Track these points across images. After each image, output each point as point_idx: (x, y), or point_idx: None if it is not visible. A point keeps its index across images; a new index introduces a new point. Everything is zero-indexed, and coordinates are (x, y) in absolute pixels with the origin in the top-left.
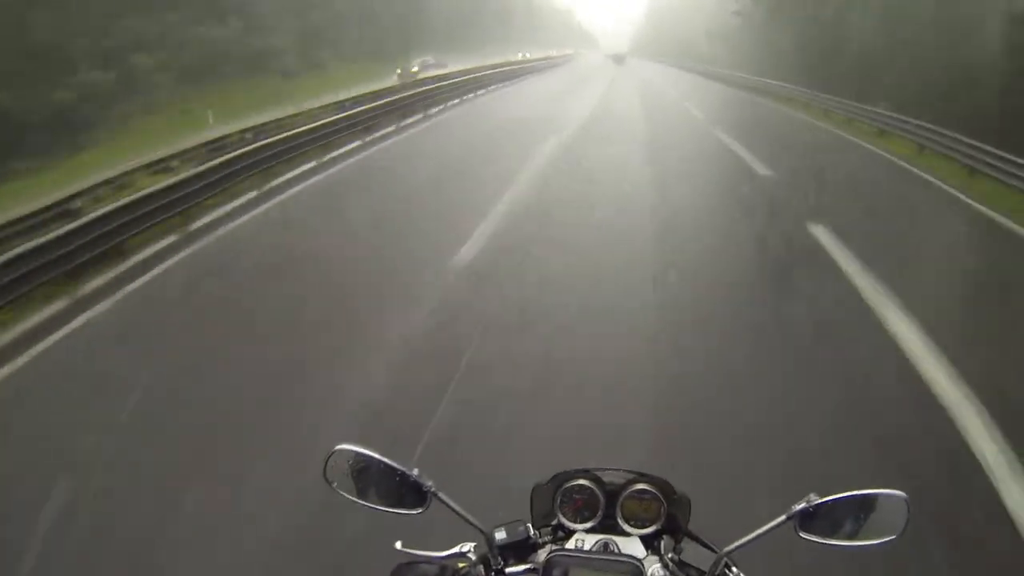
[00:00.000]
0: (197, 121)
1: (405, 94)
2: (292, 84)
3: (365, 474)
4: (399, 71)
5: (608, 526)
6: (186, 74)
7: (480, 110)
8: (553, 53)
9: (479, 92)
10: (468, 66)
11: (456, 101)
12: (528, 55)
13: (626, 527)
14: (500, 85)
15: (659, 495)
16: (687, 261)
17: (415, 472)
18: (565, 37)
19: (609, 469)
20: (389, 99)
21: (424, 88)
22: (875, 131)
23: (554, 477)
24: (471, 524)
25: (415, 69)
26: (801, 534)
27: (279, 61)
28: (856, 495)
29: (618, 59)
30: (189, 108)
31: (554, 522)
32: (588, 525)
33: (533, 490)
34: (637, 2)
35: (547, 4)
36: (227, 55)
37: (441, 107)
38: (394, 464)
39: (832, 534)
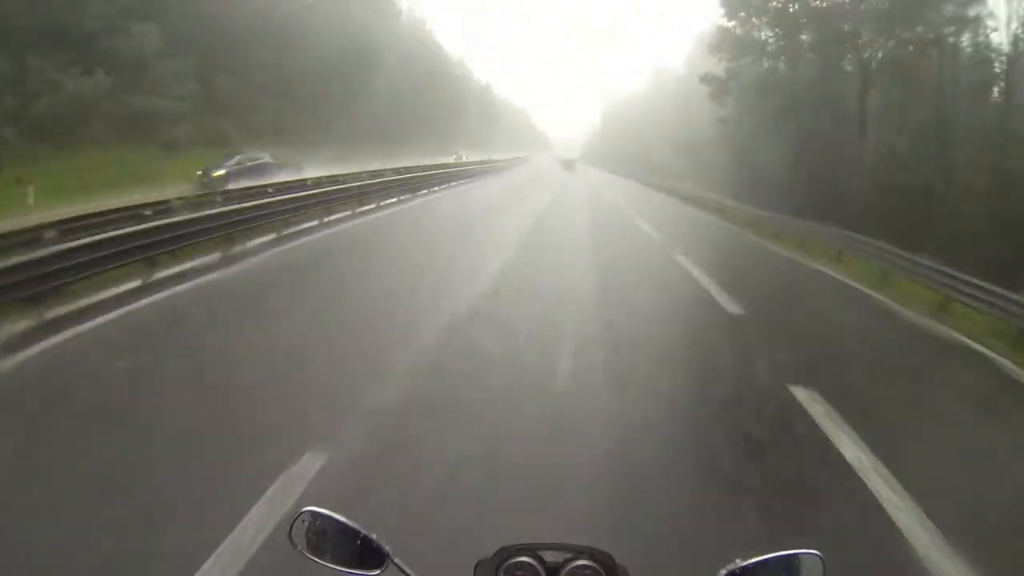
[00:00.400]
0: (15, 198)
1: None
2: (174, 158)
3: (328, 535)
4: (199, 172)
5: None
6: (37, 130)
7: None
8: (497, 157)
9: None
10: (356, 169)
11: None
12: (463, 157)
13: None
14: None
15: (600, 570)
16: None
17: (374, 536)
18: (517, 139)
19: (551, 545)
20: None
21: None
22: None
23: (497, 553)
24: None
25: (220, 172)
26: None
27: (164, 129)
28: (777, 556)
29: (567, 165)
30: (25, 177)
31: None
32: None
33: (476, 566)
34: (593, 106)
35: (505, 104)
36: (93, 113)
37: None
38: (356, 527)
39: None
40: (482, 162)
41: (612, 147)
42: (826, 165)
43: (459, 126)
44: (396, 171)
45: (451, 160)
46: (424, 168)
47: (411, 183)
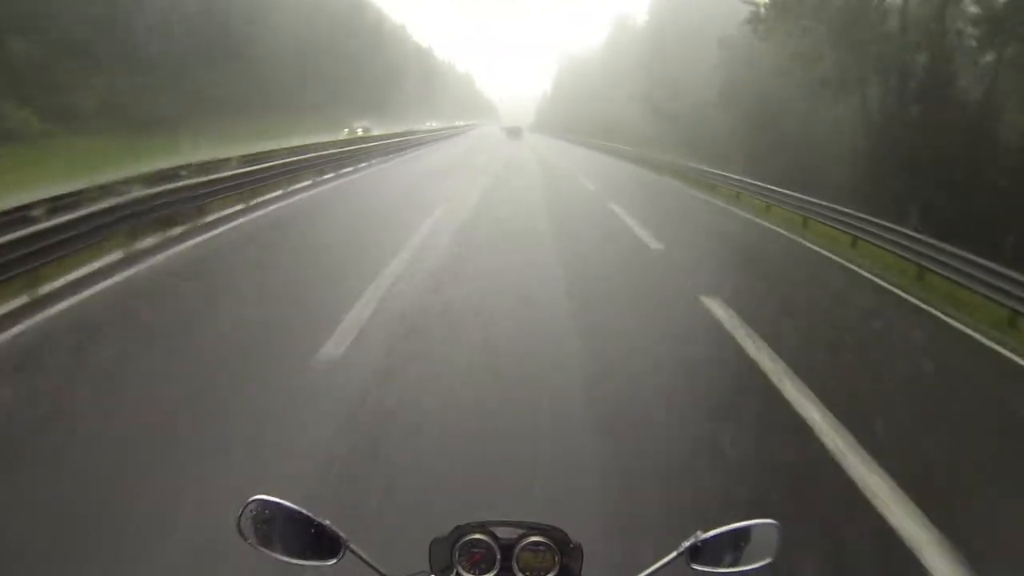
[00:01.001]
0: None
1: None
2: None
3: (279, 524)
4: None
5: None
6: None
7: None
8: (424, 127)
9: None
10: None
11: None
12: (363, 131)
13: None
14: None
15: (553, 546)
16: None
17: (328, 523)
18: (463, 107)
19: (505, 523)
20: None
21: None
22: None
23: (453, 531)
24: (380, 574)
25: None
26: (692, 566)
27: None
28: (735, 527)
29: (513, 133)
30: None
31: (453, 574)
32: None
33: (432, 543)
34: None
35: (447, 68)
36: None
37: None
38: (309, 514)
39: (718, 563)
40: (394, 136)
41: (569, 112)
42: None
43: (378, 92)
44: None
45: (342, 136)
46: (283, 154)
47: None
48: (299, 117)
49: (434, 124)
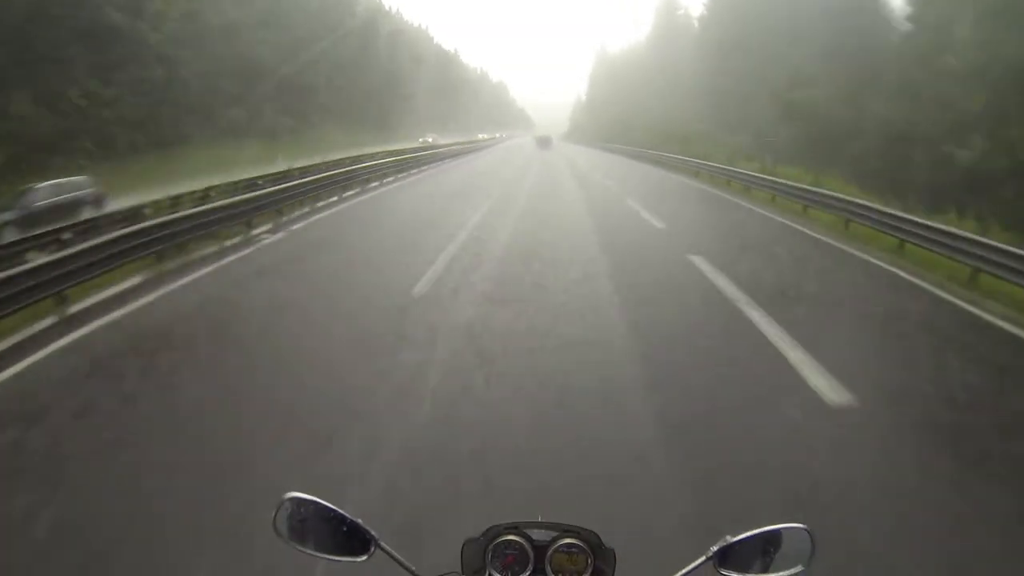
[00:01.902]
0: None
1: None
2: None
3: (313, 522)
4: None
5: None
6: None
7: None
8: (444, 141)
9: None
10: None
11: None
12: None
13: None
14: None
15: (586, 548)
16: None
17: (360, 521)
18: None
19: (539, 524)
20: None
21: None
22: None
23: (485, 532)
24: (411, 573)
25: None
26: (721, 571)
27: None
28: (765, 531)
29: (543, 143)
30: None
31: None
32: None
33: (464, 544)
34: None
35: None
36: None
37: None
38: (342, 512)
39: (747, 569)
40: (405, 153)
41: (612, 117)
42: None
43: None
44: None
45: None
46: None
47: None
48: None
49: (430, 139)
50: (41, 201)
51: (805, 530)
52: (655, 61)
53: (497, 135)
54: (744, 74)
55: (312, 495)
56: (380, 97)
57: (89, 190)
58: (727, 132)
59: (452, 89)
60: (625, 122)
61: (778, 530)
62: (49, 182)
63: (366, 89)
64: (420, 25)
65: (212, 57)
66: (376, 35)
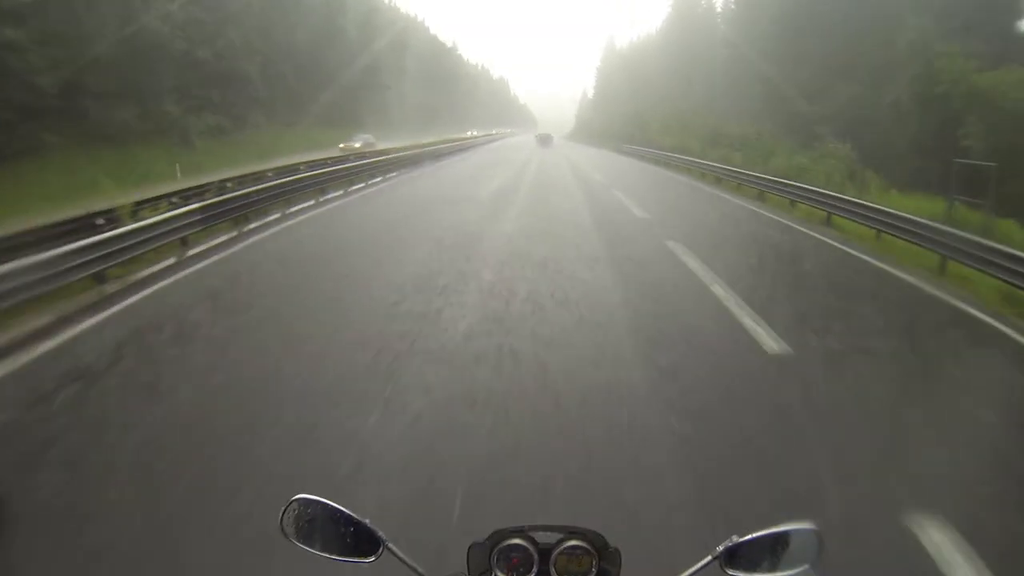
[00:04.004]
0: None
1: None
2: None
3: (320, 523)
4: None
5: None
6: None
7: None
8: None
9: None
10: None
11: None
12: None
13: None
14: None
15: (591, 549)
16: None
17: (367, 522)
18: (496, 114)
19: (543, 527)
20: None
21: None
22: None
23: (490, 536)
24: (418, 574)
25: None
26: (727, 571)
27: None
28: (773, 531)
29: (544, 140)
30: None
31: None
32: None
33: (470, 548)
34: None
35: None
36: None
37: None
38: (349, 513)
39: (754, 569)
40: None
41: (620, 116)
42: None
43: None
44: None
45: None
46: None
47: None
48: None
49: (357, 144)
50: None
51: (813, 530)
52: (678, 49)
53: (493, 132)
54: (818, 60)
55: (321, 496)
56: (346, 89)
57: None
58: (788, 135)
59: (444, 82)
60: (642, 121)
61: (786, 531)
62: None
63: (325, 79)
64: (416, 16)
65: (77, 39)
66: (342, 12)
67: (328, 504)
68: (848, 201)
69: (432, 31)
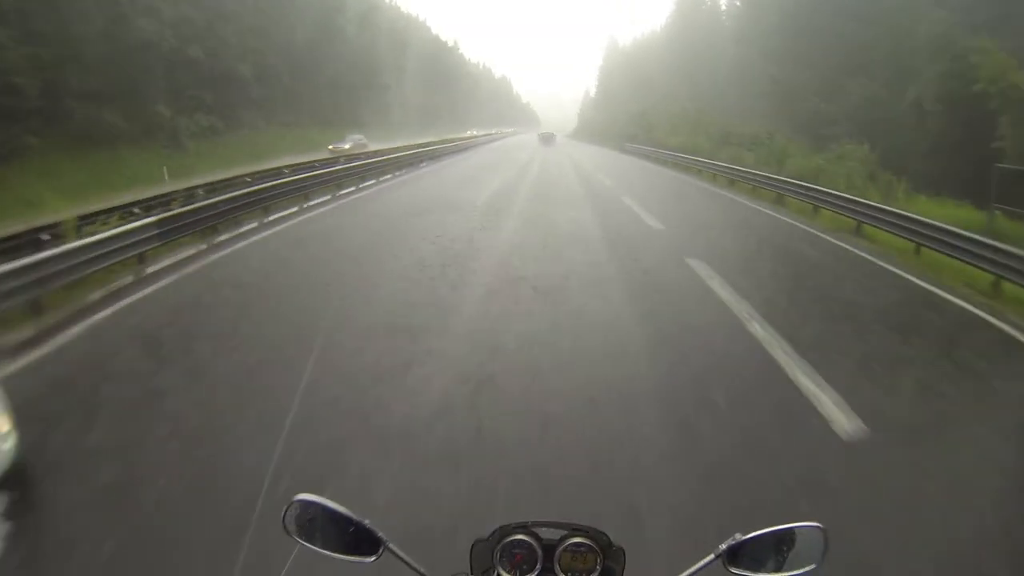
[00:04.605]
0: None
1: None
2: None
3: (321, 522)
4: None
5: None
6: None
7: None
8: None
9: None
10: None
11: None
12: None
13: None
14: None
15: (595, 547)
16: None
17: (367, 522)
18: (499, 113)
19: (547, 523)
20: None
21: None
22: None
23: (494, 532)
24: (419, 573)
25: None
26: (731, 569)
27: None
28: (777, 529)
29: (546, 139)
30: None
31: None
32: None
33: (473, 544)
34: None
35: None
36: None
37: None
38: (349, 514)
39: (759, 568)
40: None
41: (623, 115)
42: None
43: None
44: None
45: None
46: None
47: None
48: None
49: (346, 146)
50: None
51: (819, 529)
52: (682, 47)
53: (494, 131)
54: (829, 57)
55: (322, 497)
56: (345, 89)
57: None
58: (799, 134)
59: (445, 82)
60: (648, 120)
61: (791, 528)
62: None
63: (324, 79)
64: (417, 16)
65: (61, 38)
66: (341, 11)
67: (329, 505)
68: (879, 209)
69: (433, 31)
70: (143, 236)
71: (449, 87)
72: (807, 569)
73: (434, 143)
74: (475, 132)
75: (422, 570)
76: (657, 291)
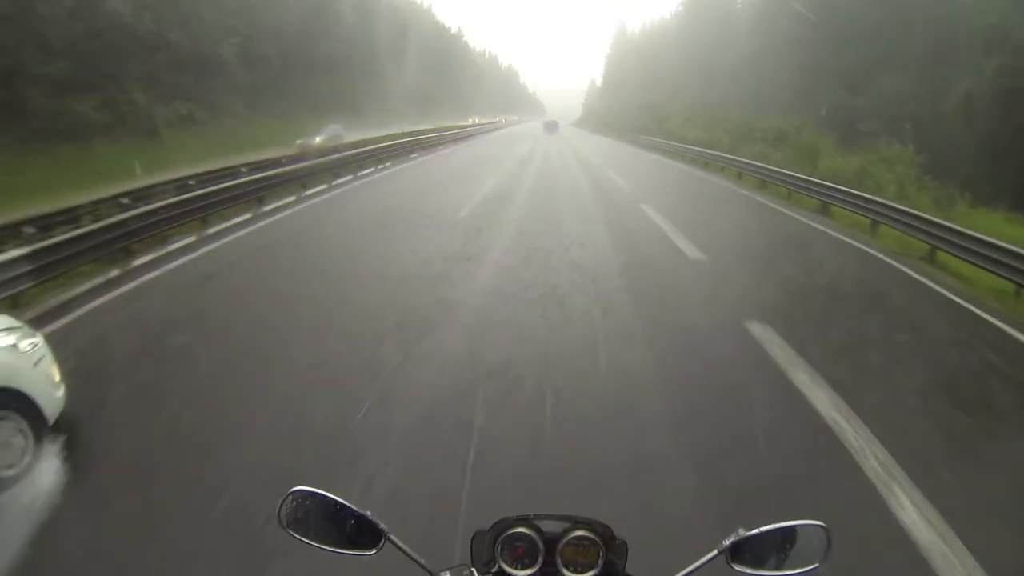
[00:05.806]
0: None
1: None
2: None
3: (320, 515)
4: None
5: (548, 573)
6: None
7: None
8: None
9: None
10: None
11: None
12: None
13: (566, 573)
14: None
15: (598, 540)
16: None
17: (368, 514)
18: (505, 102)
19: (549, 516)
20: None
21: None
22: None
23: (495, 525)
24: (420, 566)
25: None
26: (733, 566)
27: None
28: (780, 527)
29: (550, 127)
30: None
31: (495, 569)
32: (528, 572)
33: (474, 537)
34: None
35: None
36: None
37: None
38: (349, 505)
39: (761, 565)
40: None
41: (633, 104)
42: None
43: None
44: None
45: None
46: None
47: None
48: None
49: (316, 140)
50: None
51: (821, 527)
52: (695, 34)
53: (498, 119)
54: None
55: (319, 488)
56: (341, 75)
57: None
58: (825, 130)
59: (448, 69)
60: (661, 112)
61: (793, 526)
62: None
63: (317, 65)
64: (421, 2)
65: (23, 19)
66: None
67: (327, 496)
68: (962, 234)
69: (437, 18)
70: (11, 275)
71: (452, 74)
72: (809, 568)
73: (429, 131)
74: (477, 120)
75: (423, 562)
76: (713, 391)
